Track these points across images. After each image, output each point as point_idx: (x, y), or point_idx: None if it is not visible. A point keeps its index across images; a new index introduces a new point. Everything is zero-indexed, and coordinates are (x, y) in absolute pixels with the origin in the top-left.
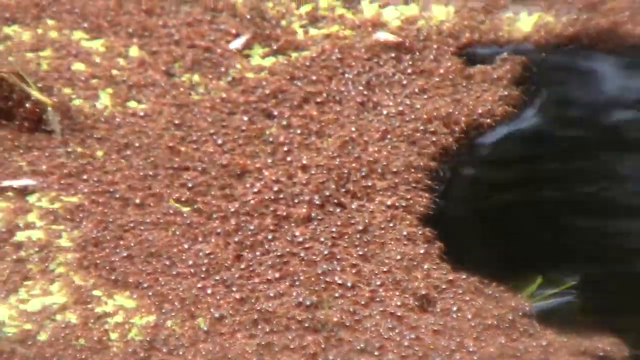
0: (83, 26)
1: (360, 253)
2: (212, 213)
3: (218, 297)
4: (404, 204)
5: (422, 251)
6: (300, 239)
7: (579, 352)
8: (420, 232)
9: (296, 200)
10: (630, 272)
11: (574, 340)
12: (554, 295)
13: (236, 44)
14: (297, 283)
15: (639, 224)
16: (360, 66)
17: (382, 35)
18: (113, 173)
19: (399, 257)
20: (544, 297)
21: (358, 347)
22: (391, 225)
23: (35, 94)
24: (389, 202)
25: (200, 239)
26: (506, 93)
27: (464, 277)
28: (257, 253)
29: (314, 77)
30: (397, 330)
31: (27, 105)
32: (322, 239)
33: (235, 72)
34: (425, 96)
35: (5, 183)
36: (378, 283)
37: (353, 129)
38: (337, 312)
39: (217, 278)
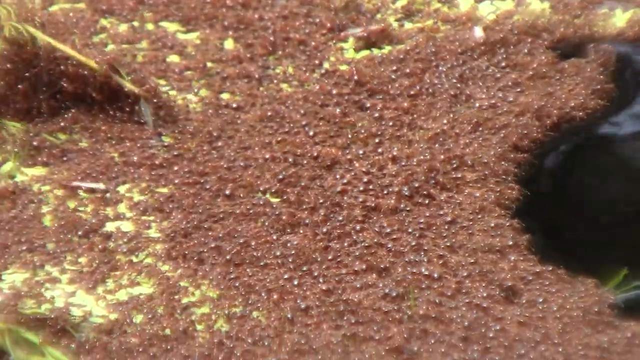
0: (179, 19)
1: (448, 244)
2: (301, 204)
3: (305, 288)
4: (492, 196)
5: (510, 243)
6: (388, 230)
7: None
8: (508, 224)
9: (385, 192)
10: None
11: None
12: (639, 288)
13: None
14: (383, 274)
15: None
16: (454, 59)
17: (476, 35)
18: (204, 164)
19: (486, 248)
20: (629, 288)
21: (442, 339)
22: (479, 216)
23: (129, 85)
24: (477, 194)
25: (288, 230)
26: (599, 87)
27: (550, 269)
28: (345, 244)
29: (407, 70)
30: (482, 322)
31: (120, 97)
32: (409, 230)
33: (329, 65)
34: (518, 89)
35: (75, 183)
36: (464, 274)
37: (445, 121)
38: (423, 304)
39: (305, 269)
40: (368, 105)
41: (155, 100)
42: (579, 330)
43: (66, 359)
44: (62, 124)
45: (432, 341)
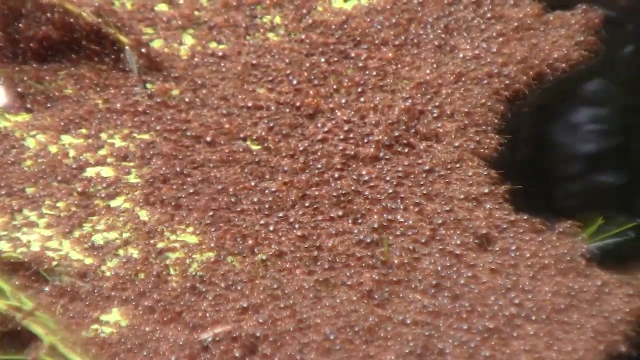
0: None
1: (424, 192)
2: (281, 151)
3: (280, 234)
4: (472, 146)
5: (486, 191)
6: (366, 178)
7: (633, 293)
8: (485, 173)
9: (365, 140)
10: None
11: (629, 281)
12: (614, 236)
13: None
14: (359, 221)
15: None
16: (440, 10)
17: None
18: (187, 111)
19: (462, 196)
20: (604, 237)
21: (413, 286)
22: (457, 165)
23: (115, 33)
24: (457, 143)
25: (267, 177)
26: (582, 38)
27: (525, 217)
28: (323, 191)
29: (393, 21)
30: (454, 269)
31: (106, 44)
32: (387, 178)
33: (316, 14)
34: (503, 40)
35: None
36: (439, 222)
37: (428, 71)
38: (397, 250)
39: (281, 215)
40: (353, 55)
41: (141, 49)
42: (550, 278)
43: (30, 303)
44: (47, 70)
45: (403, 287)
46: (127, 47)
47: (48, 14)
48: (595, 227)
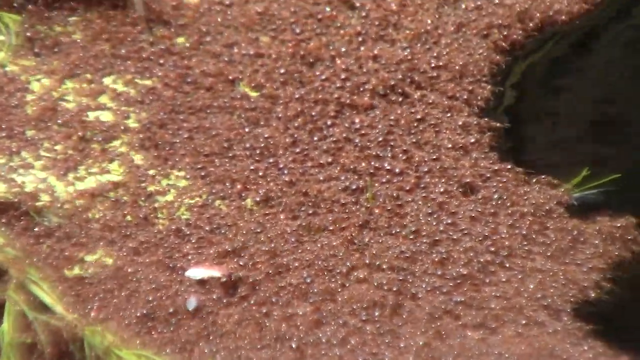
0: None
1: (414, 141)
2: (278, 98)
3: (268, 179)
4: (465, 95)
5: (472, 140)
6: (358, 126)
7: (606, 242)
8: (475, 123)
9: (361, 89)
10: None
11: (603, 230)
12: (596, 188)
13: None
14: (347, 168)
15: None
16: None
17: None
18: (189, 58)
19: (449, 145)
20: (586, 188)
21: (394, 232)
22: (448, 115)
23: None
24: (450, 93)
25: (262, 123)
26: None
27: (509, 167)
28: (315, 138)
29: None
30: (435, 216)
31: None
32: (379, 127)
33: None
34: None
35: None
36: (425, 170)
37: (429, 21)
38: (381, 197)
39: (271, 161)
40: (357, 4)
41: None
42: (528, 226)
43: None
44: (57, 17)
45: (384, 233)
46: None
47: None
48: (579, 178)
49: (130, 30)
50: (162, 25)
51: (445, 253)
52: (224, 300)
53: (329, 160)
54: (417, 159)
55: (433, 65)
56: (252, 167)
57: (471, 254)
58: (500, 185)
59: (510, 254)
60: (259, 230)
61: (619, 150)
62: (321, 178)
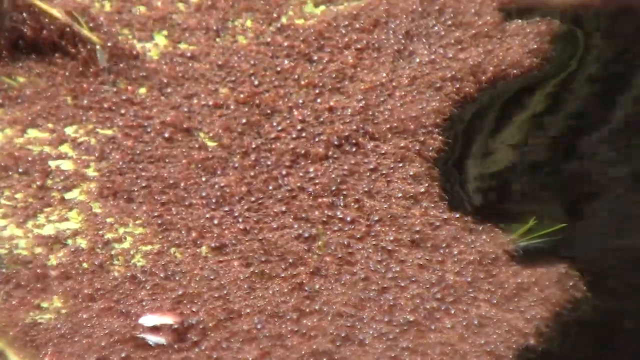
0: None
1: (366, 189)
2: (235, 148)
3: (223, 227)
4: (417, 147)
5: (422, 190)
6: (312, 175)
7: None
8: (426, 173)
9: (316, 139)
10: None
11: (546, 278)
12: (542, 237)
13: None
14: (300, 217)
15: None
16: (404, 17)
17: None
18: (150, 108)
19: (400, 194)
20: (532, 237)
21: (343, 279)
22: (400, 165)
23: (86, 32)
24: (402, 144)
25: (218, 172)
26: (536, 46)
27: (457, 215)
28: (270, 187)
29: (357, 26)
30: (384, 263)
31: (79, 44)
32: (333, 176)
33: (286, 19)
34: (460, 47)
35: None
36: (376, 218)
37: (384, 74)
38: (332, 245)
39: (226, 209)
40: (315, 58)
41: (112, 48)
42: (473, 274)
43: None
44: (21, 67)
45: (333, 280)
46: (98, 46)
47: (24, 13)
48: (527, 227)
49: (93, 81)
50: (124, 77)
51: (393, 300)
52: (175, 346)
53: (283, 209)
54: (368, 207)
55: (387, 116)
56: (207, 216)
57: (417, 301)
58: (449, 234)
59: (455, 300)
60: (212, 277)
61: (562, 201)
62: (275, 226)
